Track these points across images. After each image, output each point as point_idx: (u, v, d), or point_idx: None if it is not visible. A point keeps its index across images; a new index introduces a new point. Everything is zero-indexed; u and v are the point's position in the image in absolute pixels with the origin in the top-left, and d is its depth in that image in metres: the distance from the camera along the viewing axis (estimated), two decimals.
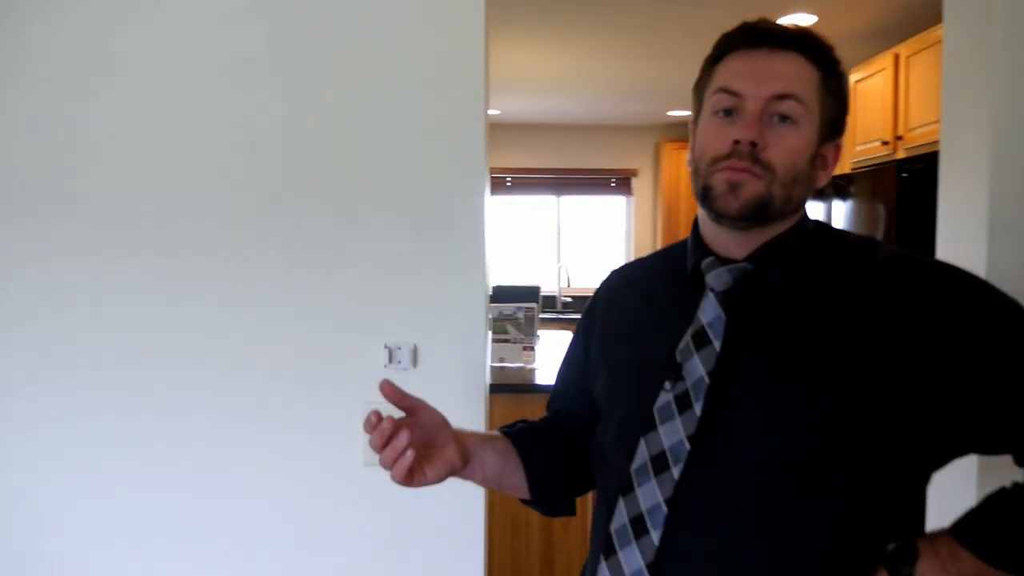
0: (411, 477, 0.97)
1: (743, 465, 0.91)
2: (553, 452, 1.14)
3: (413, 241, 1.50)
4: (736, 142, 0.93)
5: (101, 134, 1.51)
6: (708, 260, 1.00)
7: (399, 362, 1.51)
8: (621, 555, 0.94)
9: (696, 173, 0.99)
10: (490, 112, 6.43)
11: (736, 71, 0.97)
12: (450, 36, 1.48)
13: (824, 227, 1.05)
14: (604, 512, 0.99)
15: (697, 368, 0.94)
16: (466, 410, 1.52)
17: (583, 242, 7.06)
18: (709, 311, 0.97)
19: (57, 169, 1.51)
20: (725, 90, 0.97)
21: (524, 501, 1.16)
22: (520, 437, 1.14)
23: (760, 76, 0.95)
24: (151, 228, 1.51)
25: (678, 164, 6.62)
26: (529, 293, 4.56)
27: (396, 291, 1.51)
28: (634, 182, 6.97)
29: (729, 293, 0.97)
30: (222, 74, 1.50)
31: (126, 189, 1.52)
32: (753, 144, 0.93)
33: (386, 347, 1.51)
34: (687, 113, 6.16)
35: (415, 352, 1.52)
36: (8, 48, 1.49)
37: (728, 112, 0.96)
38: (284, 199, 1.50)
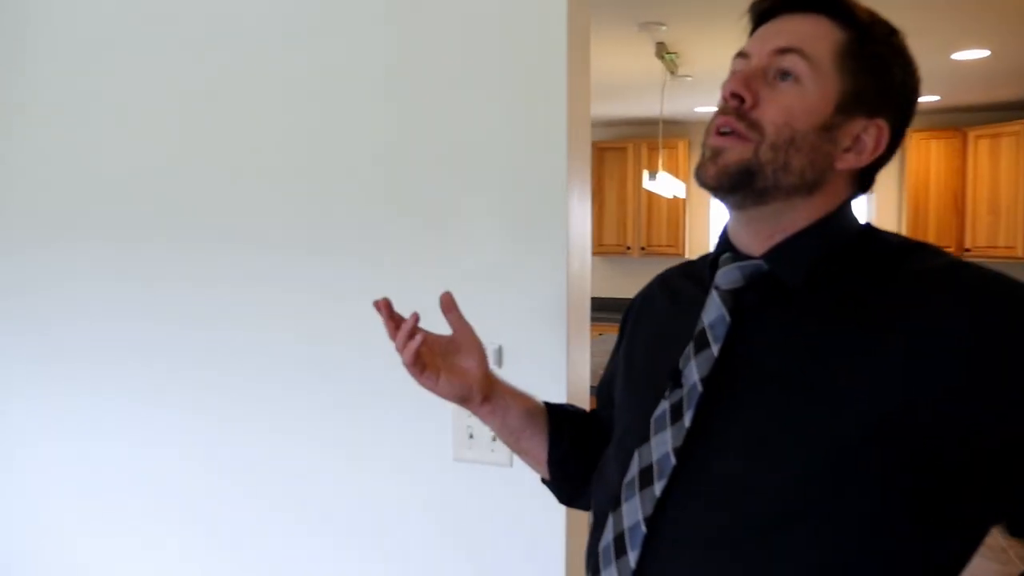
0: (421, 370, 1.03)
1: (729, 487, 0.82)
2: (583, 439, 1.11)
3: (499, 244, 1.54)
4: (725, 99, 0.86)
5: (180, 131, 1.73)
6: (725, 256, 0.92)
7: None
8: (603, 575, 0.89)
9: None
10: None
11: (752, 38, 0.91)
12: (531, 42, 1.50)
13: (869, 230, 0.91)
14: (595, 529, 0.95)
15: (693, 374, 0.86)
16: None
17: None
18: (712, 311, 0.89)
19: (143, 172, 1.76)
20: (738, 55, 0.91)
21: (544, 482, 1.16)
22: (556, 410, 1.14)
23: (770, 35, 0.88)
24: (243, 225, 1.71)
25: (927, 155, 5.93)
26: None
27: (483, 293, 1.55)
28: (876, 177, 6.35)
29: (739, 293, 0.88)
30: (310, 80, 1.64)
31: (219, 188, 1.72)
32: (740, 100, 0.85)
33: None
34: (934, 98, 5.53)
35: (500, 353, 1.56)
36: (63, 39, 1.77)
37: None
38: (372, 201, 1.62)
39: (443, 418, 1.59)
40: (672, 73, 4.47)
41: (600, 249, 6.74)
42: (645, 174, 4.33)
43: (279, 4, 1.67)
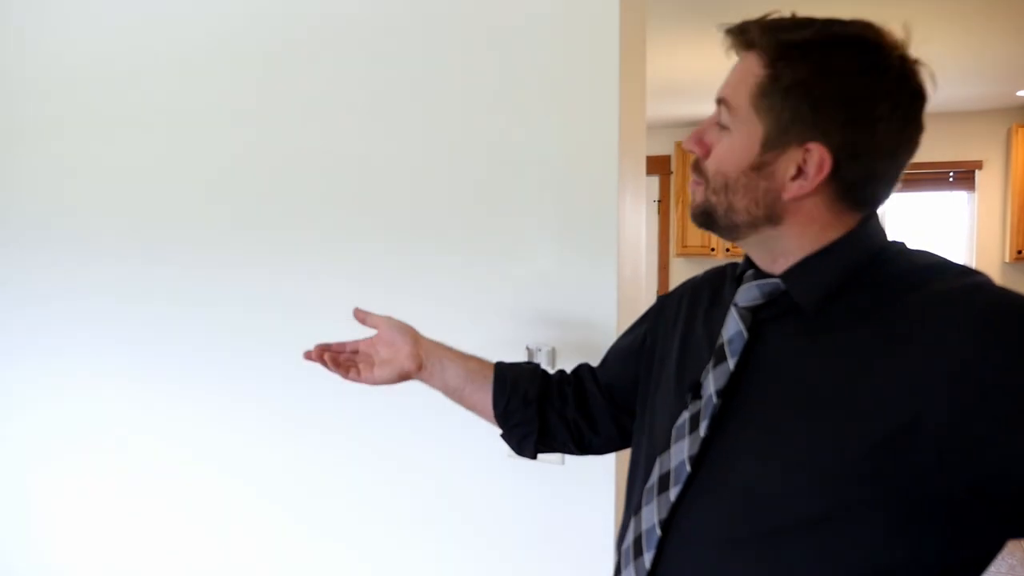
0: (357, 374, 1.25)
1: (736, 496, 0.85)
2: (531, 393, 1.21)
3: (552, 250, 1.58)
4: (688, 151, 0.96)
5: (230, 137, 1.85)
6: (749, 272, 0.95)
7: (539, 363, 1.60)
8: (624, 574, 0.95)
9: None
10: None
11: None
12: (582, 54, 1.53)
13: (895, 248, 0.90)
14: (622, 530, 1.01)
15: (710, 386, 0.91)
16: None
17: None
18: (731, 327, 0.93)
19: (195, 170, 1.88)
20: None
21: (502, 436, 1.25)
22: (504, 367, 1.25)
23: (724, 82, 0.93)
24: (304, 228, 1.81)
25: None
26: None
27: (537, 297, 1.60)
28: (978, 175, 6.03)
29: (758, 310, 0.91)
30: (369, 87, 1.73)
31: (279, 186, 1.82)
32: (691, 152, 0.95)
33: (528, 348, 1.62)
34: None
35: (553, 354, 1.60)
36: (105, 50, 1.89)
37: None
38: (429, 208, 1.69)
39: None
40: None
41: (684, 251, 6.66)
42: None
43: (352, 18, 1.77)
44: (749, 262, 0.97)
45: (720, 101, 0.91)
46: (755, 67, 0.87)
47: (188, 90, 1.96)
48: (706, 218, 0.94)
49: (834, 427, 0.79)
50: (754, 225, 0.90)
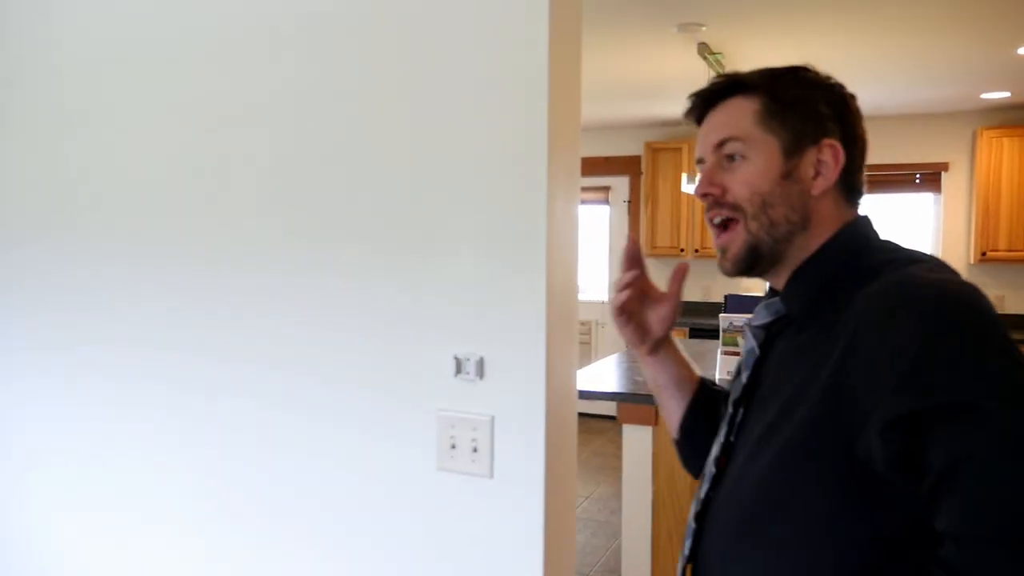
0: (627, 320, 1.25)
1: (738, 488, 1.01)
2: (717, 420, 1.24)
3: (480, 259, 1.54)
4: (702, 198, 1.06)
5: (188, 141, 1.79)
6: (768, 292, 1.13)
7: (467, 372, 1.57)
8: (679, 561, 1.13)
9: None
10: None
11: (699, 142, 1.10)
12: (510, 59, 1.50)
13: (852, 248, 1.01)
14: None
15: (732, 397, 1.10)
16: (527, 420, 1.53)
17: (906, 244, 6.32)
18: (746, 345, 1.10)
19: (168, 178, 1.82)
20: (698, 161, 1.10)
21: (673, 440, 1.32)
22: (707, 389, 1.29)
23: (705, 135, 1.07)
24: (236, 239, 1.76)
25: (998, 153, 5.63)
26: None
27: (464, 305, 1.56)
28: (944, 177, 6.07)
29: (768, 326, 1.07)
30: (286, 96, 1.68)
31: (223, 201, 1.77)
32: (706, 196, 1.04)
33: (455, 358, 1.58)
34: (1005, 95, 5.26)
35: (481, 364, 1.56)
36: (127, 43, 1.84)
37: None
38: (355, 218, 1.64)
39: (428, 429, 1.60)
40: (717, 74, 4.37)
41: (654, 252, 6.65)
42: (684, 178, 4.24)
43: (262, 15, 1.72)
44: (772, 290, 1.11)
45: (722, 143, 1.03)
46: (747, 103, 1.03)
47: (172, 95, 1.88)
48: (752, 256, 1.02)
49: (795, 414, 0.93)
50: (792, 235, 1.01)
